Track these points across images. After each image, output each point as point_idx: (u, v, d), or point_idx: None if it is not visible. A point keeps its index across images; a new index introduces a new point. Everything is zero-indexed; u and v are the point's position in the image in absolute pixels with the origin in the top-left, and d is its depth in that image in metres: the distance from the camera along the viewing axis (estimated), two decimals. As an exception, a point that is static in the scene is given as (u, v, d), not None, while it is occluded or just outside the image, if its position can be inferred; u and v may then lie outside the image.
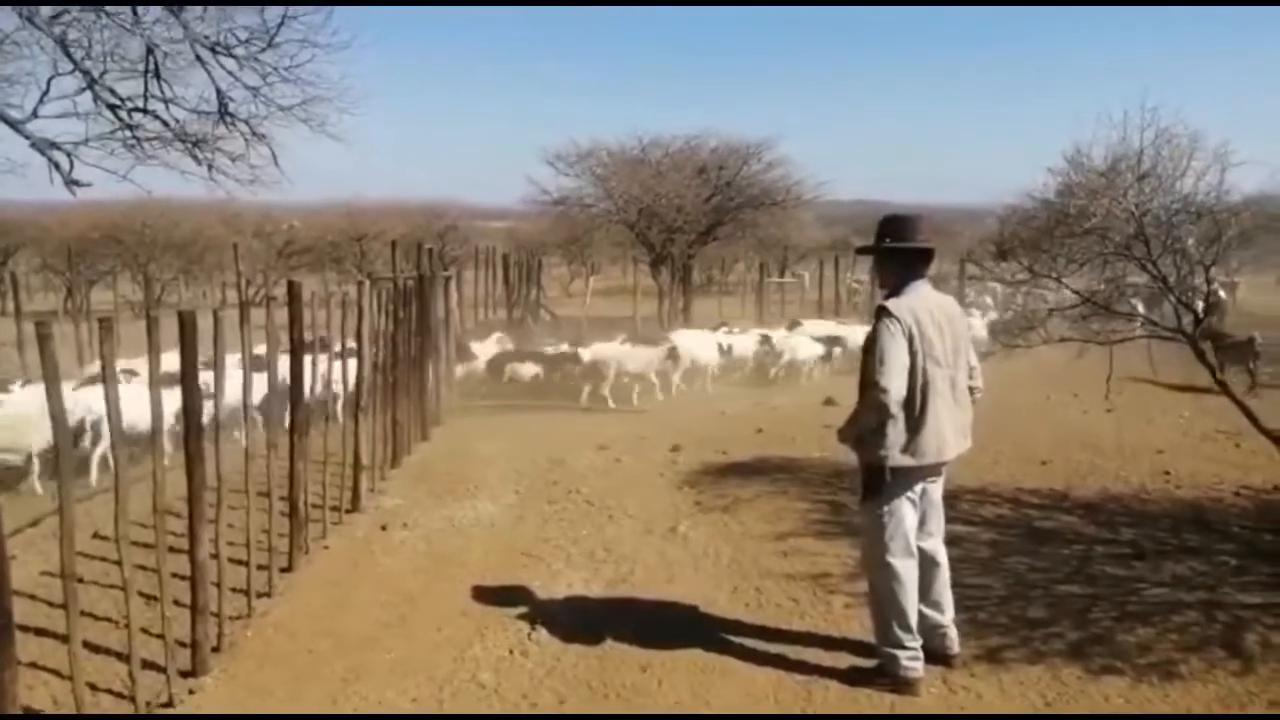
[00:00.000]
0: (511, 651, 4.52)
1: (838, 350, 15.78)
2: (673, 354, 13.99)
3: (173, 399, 4.17)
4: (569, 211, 23.66)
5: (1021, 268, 6.79)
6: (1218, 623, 4.53)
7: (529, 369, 13.98)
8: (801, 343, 15.79)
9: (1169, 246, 5.93)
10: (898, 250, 4.06)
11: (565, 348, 14.45)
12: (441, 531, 6.38)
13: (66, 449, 3.63)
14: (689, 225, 21.59)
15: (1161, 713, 3.82)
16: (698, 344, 14.73)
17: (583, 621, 4.82)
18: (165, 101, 8.54)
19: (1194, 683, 3.99)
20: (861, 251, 4.52)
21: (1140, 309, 6.83)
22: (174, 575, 4.19)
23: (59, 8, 7.52)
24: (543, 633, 4.69)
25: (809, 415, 10.28)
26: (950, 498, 5.00)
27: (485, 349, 14.34)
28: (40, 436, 7.76)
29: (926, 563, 4.09)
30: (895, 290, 4.01)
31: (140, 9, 7.71)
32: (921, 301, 3.95)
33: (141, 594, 4.26)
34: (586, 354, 13.77)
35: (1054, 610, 4.75)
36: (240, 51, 8.25)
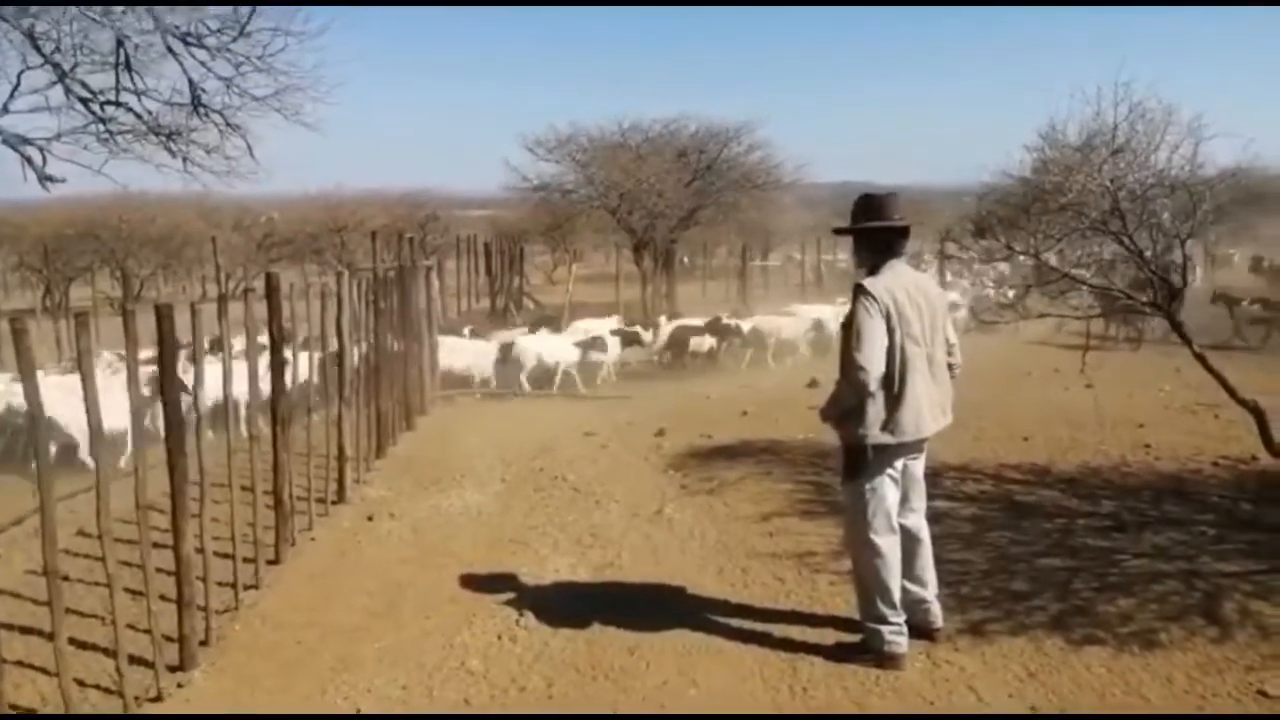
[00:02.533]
0: (500, 637, 4.54)
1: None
2: (817, 325, 15.30)
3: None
4: (550, 198, 23.60)
5: (1000, 245, 6.83)
6: (1197, 591, 4.59)
7: (706, 341, 14.90)
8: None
9: (1144, 221, 5.98)
10: (874, 229, 4.07)
11: (729, 321, 15.44)
12: (428, 521, 6.38)
13: (44, 446, 3.61)
14: (670, 210, 21.57)
15: (1149, 702, 3.87)
16: (832, 317, 15.07)
17: (570, 606, 4.84)
18: (138, 94, 8.47)
19: (1174, 650, 4.05)
20: (838, 232, 4.54)
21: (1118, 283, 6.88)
22: (159, 570, 4.18)
23: (26, 2, 7.43)
24: (531, 618, 4.71)
25: (793, 397, 10.32)
26: (933, 474, 5.05)
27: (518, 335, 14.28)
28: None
29: (909, 539, 4.12)
30: (872, 269, 4.03)
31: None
32: (899, 280, 3.96)
33: (127, 589, 4.24)
34: (748, 325, 15.11)
35: (1036, 583, 4.80)
36: (212, 42, 8.19)
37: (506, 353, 13.18)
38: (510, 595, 5.01)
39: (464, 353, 13.18)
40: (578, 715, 3.89)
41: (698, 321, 15.67)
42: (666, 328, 15.29)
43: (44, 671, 4.13)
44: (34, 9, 7.37)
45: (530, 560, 5.59)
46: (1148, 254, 6.04)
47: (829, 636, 4.32)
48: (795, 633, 4.39)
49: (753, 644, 4.31)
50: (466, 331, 14.83)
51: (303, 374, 7.81)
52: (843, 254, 27.86)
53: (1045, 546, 5.33)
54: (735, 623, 4.53)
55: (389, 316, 8.58)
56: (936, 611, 4.23)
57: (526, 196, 24.11)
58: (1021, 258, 6.51)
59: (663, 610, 4.72)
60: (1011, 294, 7.55)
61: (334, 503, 6.67)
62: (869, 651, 4.06)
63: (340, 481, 6.83)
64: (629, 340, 14.34)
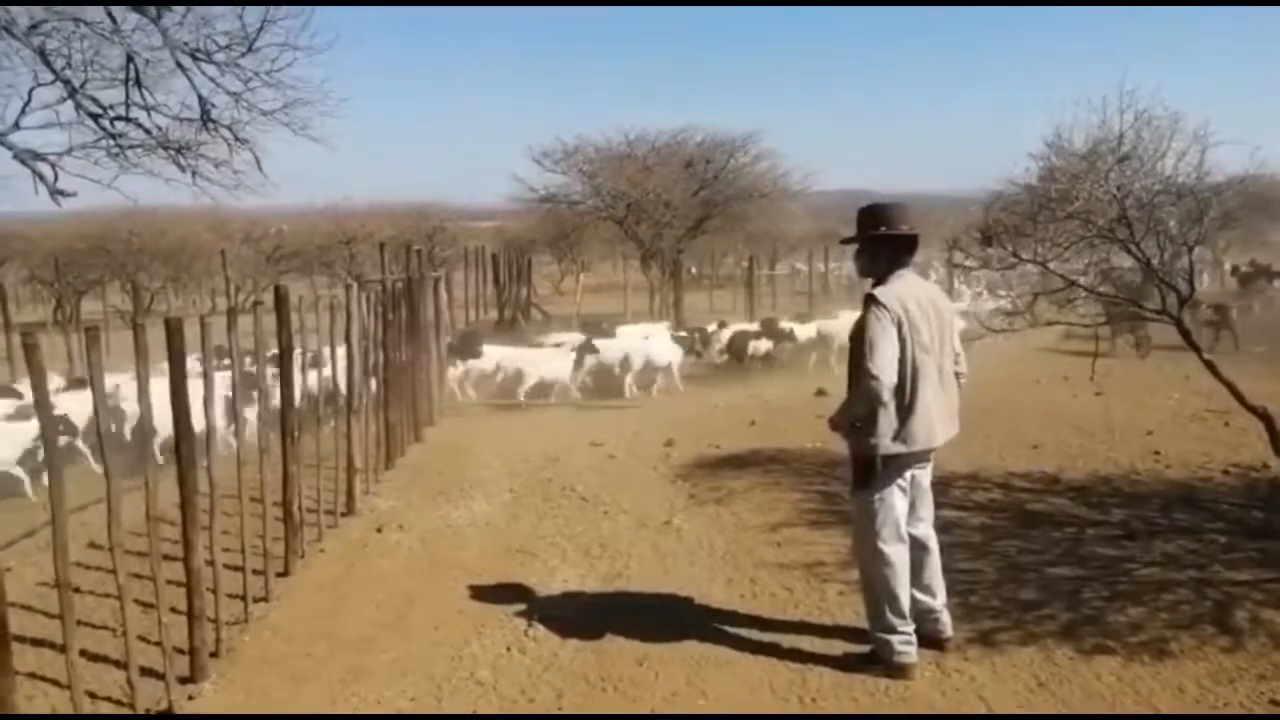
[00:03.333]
0: (509, 648, 4.54)
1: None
2: None
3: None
4: (557, 209, 23.65)
5: (1007, 253, 6.82)
6: (1208, 600, 4.58)
7: (764, 345, 15.09)
8: None
9: (1152, 228, 5.96)
10: (883, 238, 4.08)
11: (784, 325, 15.70)
12: (437, 532, 6.40)
13: (56, 460, 3.64)
14: (677, 220, 21.59)
15: (1155, 704, 3.85)
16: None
17: (579, 616, 4.84)
18: (147, 109, 8.51)
19: (1185, 660, 4.03)
20: (846, 241, 4.54)
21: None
22: (170, 582, 4.20)
23: (38, 18, 7.49)
24: (540, 629, 4.71)
25: (801, 406, 10.31)
26: (942, 483, 5.05)
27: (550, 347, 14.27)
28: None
29: (917, 548, 4.12)
30: (882, 279, 4.04)
31: (119, 17, 7.69)
32: (908, 289, 3.97)
33: (138, 601, 4.27)
34: (813, 328, 15.46)
35: (1046, 592, 4.79)
36: (220, 57, 8.23)
37: (583, 355, 13.33)
38: (519, 606, 5.01)
39: (549, 361, 13.25)
40: (579, 715, 3.89)
41: (753, 326, 15.92)
42: (724, 332, 15.45)
43: (56, 683, 4.15)
44: (45, 27, 7.43)
45: (539, 571, 5.60)
46: (1155, 261, 6.03)
47: (838, 647, 4.32)
48: (804, 643, 4.38)
49: (762, 654, 4.30)
50: (561, 340, 14.83)
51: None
52: (833, 263, 27.93)
53: (1055, 555, 5.31)
54: (744, 633, 4.52)
55: (397, 328, 8.61)
56: (946, 621, 4.22)
57: (534, 207, 24.17)
58: (1029, 266, 6.49)
59: (672, 621, 4.72)
60: (1009, 303, 7.53)
61: (343, 514, 6.69)
62: (878, 661, 4.06)
63: (349, 493, 6.85)
64: (689, 346, 14.51)
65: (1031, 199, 6.72)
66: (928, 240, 4.83)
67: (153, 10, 7.65)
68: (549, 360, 13.23)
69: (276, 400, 5.74)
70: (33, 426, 7.23)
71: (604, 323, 16.91)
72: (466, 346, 12.90)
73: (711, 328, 15.71)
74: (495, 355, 13.15)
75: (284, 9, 8.11)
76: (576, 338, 14.68)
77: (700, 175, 21.99)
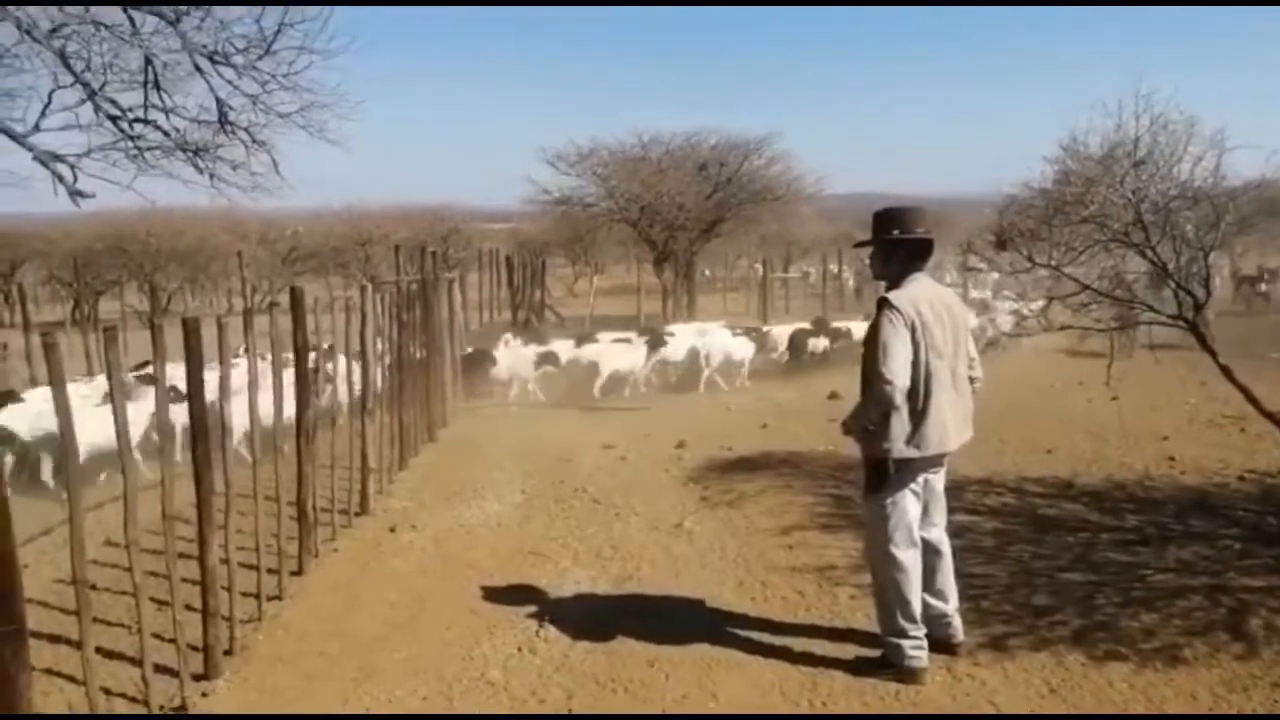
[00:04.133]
0: (520, 649, 4.56)
1: None
2: None
3: None
4: (571, 211, 23.69)
5: (1021, 257, 6.79)
6: (1222, 607, 4.55)
7: (823, 342, 15.33)
8: None
9: (1167, 232, 5.93)
10: (898, 242, 4.07)
11: (843, 325, 15.98)
12: (449, 532, 6.42)
13: (73, 457, 3.67)
14: (691, 222, 21.60)
15: (1164, 703, 3.84)
16: None
17: (590, 618, 4.86)
18: (165, 111, 8.59)
19: (1198, 667, 4.01)
20: (860, 245, 4.54)
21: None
22: (185, 580, 4.23)
23: (58, 21, 7.57)
24: (551, 630, 4.73)
25: (813, 409, 10.31)
26: (955, 487, 5.04)
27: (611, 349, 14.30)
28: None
29: (930, 552, 4.11)
30: (896, 282, 4.04)
31: (138, 20, 7.77)
32: (922, 293, 3.97)
33: (153, 599, 4.30)
34: (864, 327, 15.31)
35: (1058, 597, 4.77)
36: (238, 60, 8.29)
37: (654, 350, 13.77)
38: (530, 607, 5.03)
39: (623, 355, 13.52)
40: (589, 716, 3.91)
41: (807, 325, 16.12)
42: (783, 330, 15.67)
43: (71, 679, 4.19)
44: (66, 30, 7.51)
45: (550, 572, 5.61)
46: (1170, 266, 6.00)
47: (849, 651, 4.31)
48: (815, 647, 4.38)
49: (773, 658, 4.30)
50: (633, 336, 14.97)
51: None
52: (845, 266, 27.86)
53: (1068, 561, 5.29)
54: (755, 636, 4.53)
55: (412, 329, 8.65)
56: (957, 626, 4.21)
57: (548, 210, 24.21)
58: (1042, 271, 6.47)
59: (683, 623, 4.73)
60: (1023, 308, 7.50)
61: (357, 514, 6.73)
62: (890, 666, 4.05)
63: (363, 493, 6.88)
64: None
65: (1046, 202, 6.69)
66: (941, 244, 4.81)
67: (171, 13, 7.72)
68: (623, 354, 13.52)
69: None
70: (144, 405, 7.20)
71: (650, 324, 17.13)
72: (476, 363, 12.88)
73: (767, 327, 15.94)
74: (571, 351, 13.48)
75: (301, 13, 8.17)
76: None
77: (714, 178, 21.99)
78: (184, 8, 7.63)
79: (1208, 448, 7.83)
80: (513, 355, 13.18)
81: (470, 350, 13.30)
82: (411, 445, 8.49)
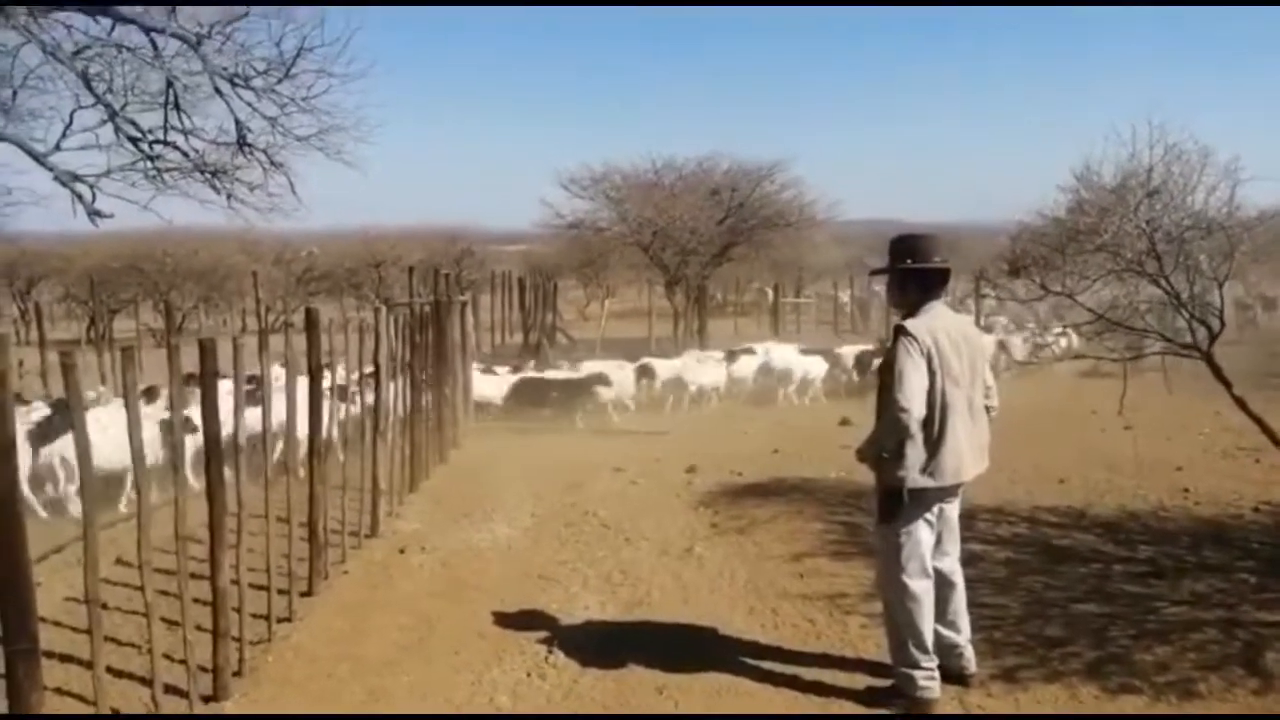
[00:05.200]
0: (529, 674, 4.54)
1: None
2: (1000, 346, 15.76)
3: None
4: (583, 234, 23.77)
5: (1034, 285, 6.80)
6: (1237, 640, 4.50)
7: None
8: None
9: (1181, 262, 5.93)
10: (914, 270, 4.07)
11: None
12: (459, 554, 6.42)
13: (89, 476, 3.70)
14: (703, 247, 21.64)
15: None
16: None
17: (599, 644, 4.84)
18: (185, 133, 8.72)
19: (1213, 701, 3.97)
20: (876, 273, 4.54)
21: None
22: (195, 600, 4.24)
23: (82, 44, 7.69)
24: (560, 655, 4.71)
25: (825, 435, 10.28)
26: (967, 517, 5.01)
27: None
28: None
29: (942, 582, 4.09)
30: (912, 310, 4.03)
31: (160, 43, 7.89)
32: (939, 321, 3.96)
33: (164, 619, 4.31)
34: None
35: (1071, 629, 4.73)
36: (258, 83, 8.42)
37: (733, 359, 14.81)
38: (540, 632, 5.01)
39: (709, 368, 14.55)
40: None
41: (871, 346, 16.41)
42: (849, 350, 16.07)
43: (81, 699, 4.19)
44: (89, 52, 7.63)
45: (560, 596, 5.60)
46: (1184, 295, 5.99)
47: (860, 680, 4.28)
48: (826, 676, 4.35)
49: (783, 686, 4.28)
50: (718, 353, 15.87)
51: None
52: (858, 292, 27.89)
53: (1081, 592, 5.25)
54: (765, 664, 4.50)
55: (424, 351, 8.68)
56: (970, 656, 4.18)
57: (560, 233, 24.30)
58: (1056, 299, 6.47)
59: (692, 650, 4.70)
60: (1048, 336, 7.49)
61: (367, 535, 6.73)
62: (901, 696, 4.02)
63: (374, 514, 6.89)
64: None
65: (1059, 231, 6.70)
66: (956, 272, 4.80)
67: (192, 36, 7.84)
68: (707, 371, 14.53)
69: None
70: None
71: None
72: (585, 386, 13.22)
73: (838, 349, 16.31)
74: (662, 367, 14.34)
75: (320, 36, 8.29)
76: (717, 354, 15.88)
77: (726, 203, 22.06)
78: (206, 31, 7.76)
79: (1222, 479, 7.77)
80: (623, 375, 13.72)
81: (581, 374, 13.76)
82: (422, 467, 8.50)
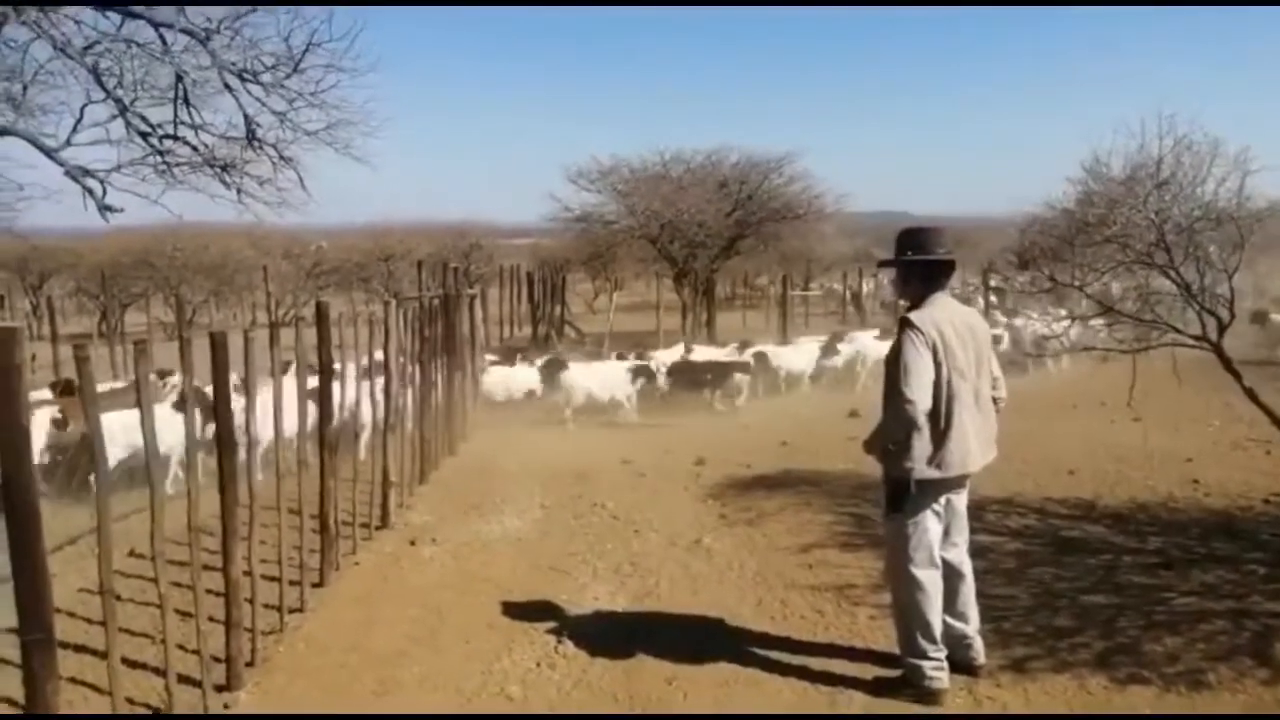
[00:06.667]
0: (539, 664, 4.57)
1: None
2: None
3: None
4: (591, 228, 23.78)
5: (1043, 277, 6.79)
6: (1246, 631, 4.50)
7: None
8: None
9: (1191, 253, 5.91)
10: (920, 262, 4.08)
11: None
12: (469, 546, 6.45)
13: (103, 468, 3.73)
14: (711, 239, 21.63)
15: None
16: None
17: (609, 634, 4.86)
18: (195, 127, 8.74)
19: (1222, 692, 3.97)
20: (883, 264, 4.55)
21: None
22: (208, 591, 4.27)
23: (92, 39, 7.72)
24: (569, 645, 4.74)
25: (833, 427, 10.28)
26: (976, 508, 5.01)
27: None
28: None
29: (951, 573, 4.10)
30: (917, 302, 4.04)
31: (169, 38, 7.91)
32: (944, 313, 3.97)
33: (177, 610, 4.33)
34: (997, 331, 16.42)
35: (1080, 620, 4.73)
36: (267, 78, 8.44)
37: (830, 352, 15.16)
38: (549, 622, 5.04)
39: (801, 354, 15.09)
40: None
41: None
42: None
43: (95, 689, 4.23)
44: (99, 47, 7.66)
45: (569, 587, 5.62)
46: (1194, 287, 5.97)
47: (868, 671, 4.29)
48: (834, 666, 4.37)
49: (791, 677, 4.29)
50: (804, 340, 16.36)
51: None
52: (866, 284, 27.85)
53: (1090, 583, 5.25)
54: (774, 655, 4.52)
55: (434, 344, 8.71)
56: (978, 647, 4.19)
57: (569, 226, 24.31)
58: (1065, 290, 6.46)
59: (701, 641, 4.72)
60: (1058, 326, 7.47)
61: (378, 527, 6.77)
62: (909, 687, 4.03)
63: (384, 506, 6.92)
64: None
65: (1068, 223, 6.69)
66: (963, 263, 4.79)
67: (201, 31, 7.86)
68: (796, 356, 15.00)
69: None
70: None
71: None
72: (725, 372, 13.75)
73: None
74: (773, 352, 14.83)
75: (329, 31, 8.31)
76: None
77: (735, 196, 22.04)
78: (214, 26, 7.78)
79: (1232, 470, 7.75)
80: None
81: (722, 359, 14.43)
82: (432, 459, 8.53)
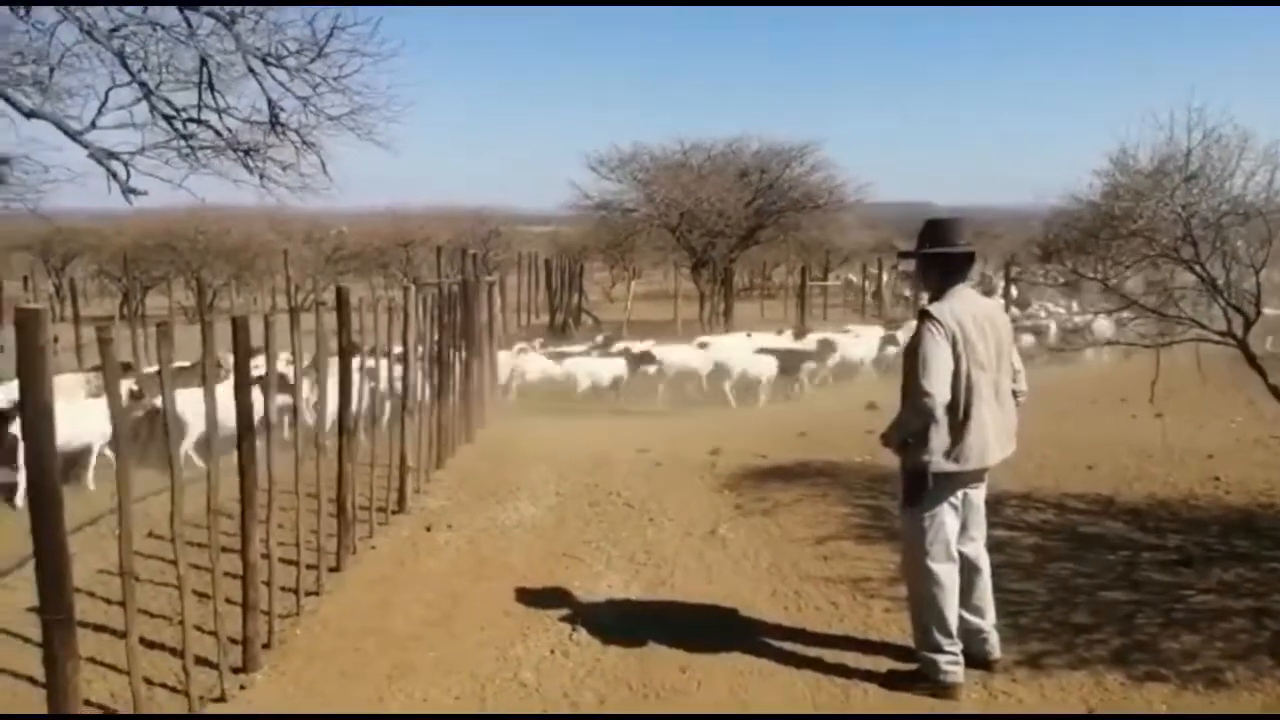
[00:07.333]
0: (553, 651, 4.59)
1: None
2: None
3: None
4: (610, 216, 23.79)
5: (1067, 270, 6.73)
6: (1266, 630, 4.45)
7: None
8: None
9: (1218, 248, 5.84)
10: (939, 255, 4.05)
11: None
12: (484, 532, 6.47)
13: (124, 449, 3.76)
14: (730, 229, 21.59)
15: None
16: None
17: (623, 622, 4.87)
18: (218, 111, 8.78)
19: (1240, 690, 3.94)
20: (904, 256, 4.52)
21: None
22: (226, 574, 4.30)
23: (118, 22, 7.76)
24: (583, 633, 4.75)
25: (851, 419, 10.23)
26: (994, 502, 4.98)
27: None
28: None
29: (968, 567, 4.08)
30: (937, 294, 4.02)
31: (195, 21, 7.94)
32: (964, 305, 3.94)
33: (195, 592, 4.37)
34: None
35: (1098, 616, 4.70)
36: (291, 62, 8.45)
37: (887, 342, 15.21)
38: (564, 610, 5.05)
39: (860, 343, 15.26)
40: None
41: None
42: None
43: (113, 668, 4.28)
44: (125, 30, 7.69)
45: (584, 575, 5.64)
46: (1220, 282, 5.90)
47: (883, 664, 4.29)
48: (849, 659, 4.36)
49: (805, 668, 4.29)
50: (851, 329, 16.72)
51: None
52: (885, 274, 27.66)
53: (1108, 579, 5.21)
54: (788, 646, 4.51)
55: (452, 330, 8.73)
56: (994, 642, 4.17)
57: (587, 214, 24.35)
58: (1089, 284, 6.40)
59: (715, 630, 4.73)
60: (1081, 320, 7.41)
61: (394, 512, 6.80)
62: (924, 680, 4.02)
63: (401, 491, 6.96)
64: None
65: (1094, 216, 6.62)
66: (989, 255, 4.74)
67: (226, 15, 7.89)
68: (855, 344, 15.19)
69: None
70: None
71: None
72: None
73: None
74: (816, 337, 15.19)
75: (353, 16, 8.31)
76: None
77: (755, 185, 21.97)
78: (239, 9, 7.79)
79: (1254, 468, 7.65)
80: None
81: (804, 344, 14.89)
82: (449, 445, 8.56)
